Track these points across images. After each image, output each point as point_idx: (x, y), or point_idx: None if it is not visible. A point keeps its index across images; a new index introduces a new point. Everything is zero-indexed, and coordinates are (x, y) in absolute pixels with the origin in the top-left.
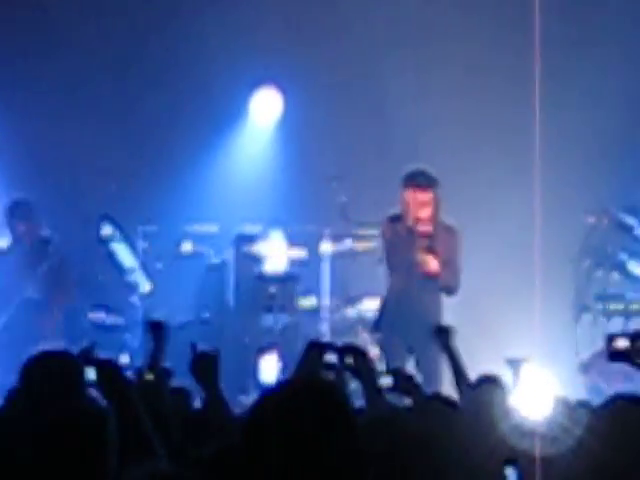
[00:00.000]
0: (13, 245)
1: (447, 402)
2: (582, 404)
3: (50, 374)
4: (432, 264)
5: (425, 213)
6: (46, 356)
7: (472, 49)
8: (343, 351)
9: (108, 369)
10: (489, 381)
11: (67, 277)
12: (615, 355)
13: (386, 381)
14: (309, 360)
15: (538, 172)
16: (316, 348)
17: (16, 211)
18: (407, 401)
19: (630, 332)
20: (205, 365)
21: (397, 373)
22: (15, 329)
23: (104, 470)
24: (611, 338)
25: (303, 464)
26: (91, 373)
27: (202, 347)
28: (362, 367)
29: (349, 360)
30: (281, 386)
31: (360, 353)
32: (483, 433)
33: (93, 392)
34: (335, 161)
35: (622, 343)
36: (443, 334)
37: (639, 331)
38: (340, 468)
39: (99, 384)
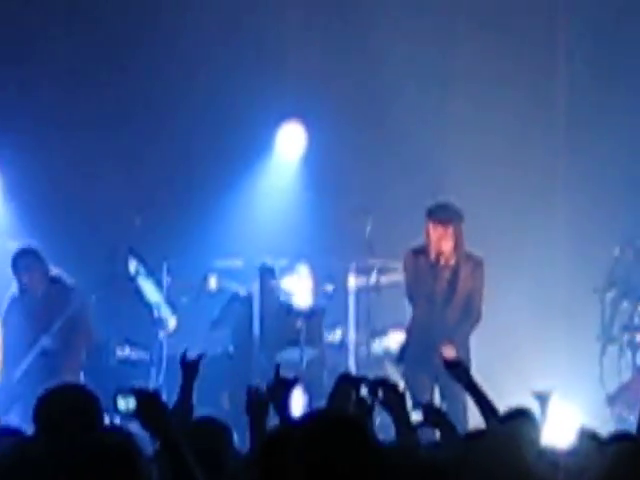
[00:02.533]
0: (22, 295)
1: (475, 436)
2: (593, 436)
3: (64, 406)
4: (449, 353)
5: (446, 246)
6: (59, 390)
7: (498, 85)
8: (375, 385)
9: (149, 399)
10: (520, 414)
11: (87, 322)
12: None
13: (416, 415)
14: (340, 393)
15: (564, 205)
16: (347, 381)
17: (18, 263)
18: (437, 435)
19: None
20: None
21: (427, 407)
22: (33, 378)
23: None
24: None
25: None
26: (129, 403)
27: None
28: (394, 401)
29: (381, 394)
30: (305, 420)
31: (392, 387)
32: (511, 465)
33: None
34: (360, 195)
35: None
36: (458, 370)
37: None
38: None
39: (139, 415)
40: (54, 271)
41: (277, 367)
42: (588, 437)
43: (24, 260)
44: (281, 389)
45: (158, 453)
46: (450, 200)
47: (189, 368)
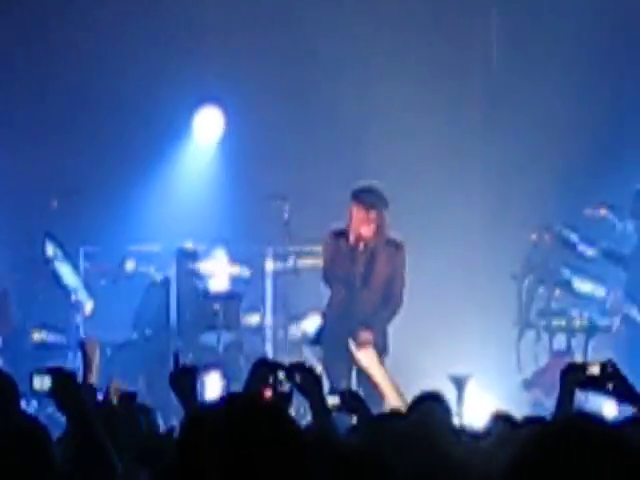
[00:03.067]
0: None
1: (392, 419)
2: (507, 419)
3: None
4: (365, 337)
5: (368, 231)
6: None
7: (419, 65)
8: (291, 369)
9: (64, 378)
10: (430, 398)
11: (7, 308)
12: (588, 383)
13: (333, 400)
14: (256, 378)
15: (481, 190)
16: (264, 366)
17: None
18: (353, 419)
19: (593, 361)
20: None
21: (344, 392)
22: None
23: None
24: (582, 367)
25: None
26: (44, 382)
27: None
28: (310, 385)
29: (297, 378)
30: (221, 404)
31: (308, 371)
32: (425, 447)
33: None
34: (278, 179)
35: (594, 370)
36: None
37: (608, 360)
38: None
39: (54, 394)
40: None
41: (176, 356)
42: (502, 420)
43: None
44: (183, 377)
45: (69, 433)
46: (374, 184)
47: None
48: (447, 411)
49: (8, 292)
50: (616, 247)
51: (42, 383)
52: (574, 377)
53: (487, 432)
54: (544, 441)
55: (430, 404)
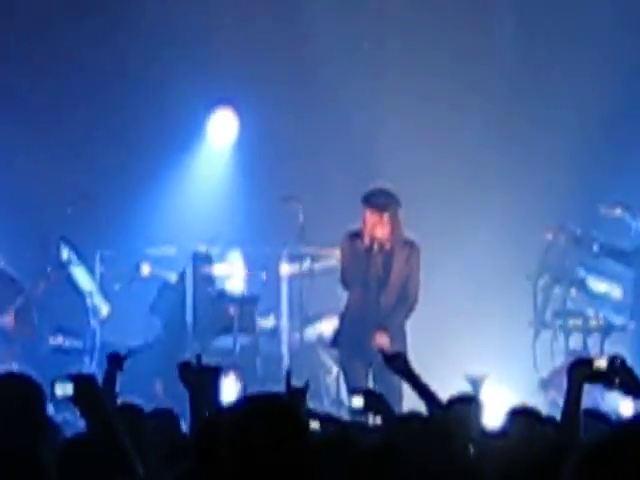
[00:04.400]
0: None
1: (420, 420)
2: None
3: (11, 396)
4: (382, 340)
5: (381, 232)
6: (4, 379)
7: (432, 66)
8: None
9: (86, 384)
10: (464, 400)
11: (30, 313)
12: (595, 378)
13: (357, 401)
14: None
15: (496, 190)
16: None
17: None
18: (377, 420)
19: (600, 356)
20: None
21: (367, 393)
22: None
23: None
24: (589, 361)
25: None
26: (66, 389)
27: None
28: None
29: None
30: (237, 406)
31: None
32: (456, 452)
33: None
34: (293, 181)
35: (602, 364)
36: (396, 361)
37: (615, 354)
38: None
39: (76, 400)
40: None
41: (199, 356)
42: (525, 415)
43: None
44: (205, 377)
45: (91, 438)
46: (385, 185)
47: (114, 361)
48: (480, 412)
49: (31, 296)
50: (617, 243)
51: (64, 389)
52: (581, 372)
53: (504, 431)
54: (611, 443)
55: (464, 405)
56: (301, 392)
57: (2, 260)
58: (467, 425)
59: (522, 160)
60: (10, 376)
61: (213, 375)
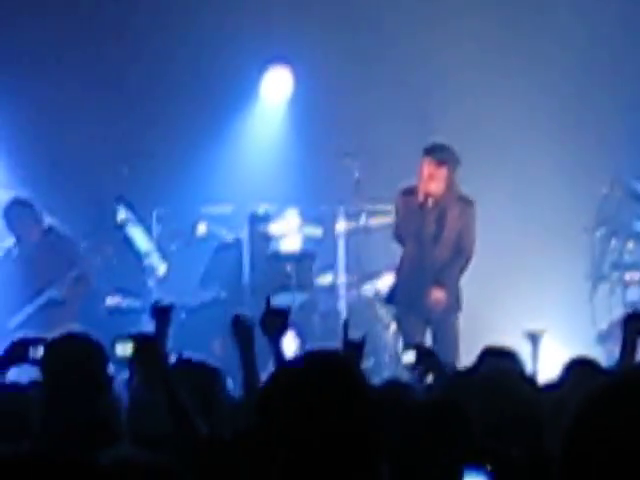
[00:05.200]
0: (15, 246)
1: (467, 373)
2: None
3: (72, 357)
4: (438, 295)
5: (437, 188)
6: (68, 338)
7: (485, 22)
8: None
9: (147, 344)
10: (502, 354)
11: (88, 272)
12: None
13: (408, 357)
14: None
15: (550, 144)
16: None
17: (9, 213)
18: (429, 378)
19: None
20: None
21: (418, 349)
22: (33, 326)
23: None
24: None
25: (313, 440)
26: (126, 348)
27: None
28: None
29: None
30: (295, 362)
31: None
32: (504, 398)
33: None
34: (348, 138)
35: None
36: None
37: None
38: (352, 445)
39: (137, 360)
40: (48, 220)
41: (268, 299)
42: (581, 364)
43: (16, 210)
44: (275, 319)
45: (150, 400)
46: (446, 142)
47: (160, 315)
48: (517, 362)
49: (83, 254)
50: None
51: (125, 349)
52: (637, 324)
53: (561, 382)
54: (608, 392)
55: (496, 359)
56: (358, 346)
57: (58, 221)
58: (513, 378)
59: (576, 112)
60: (71, 336)
61: (283, 315)
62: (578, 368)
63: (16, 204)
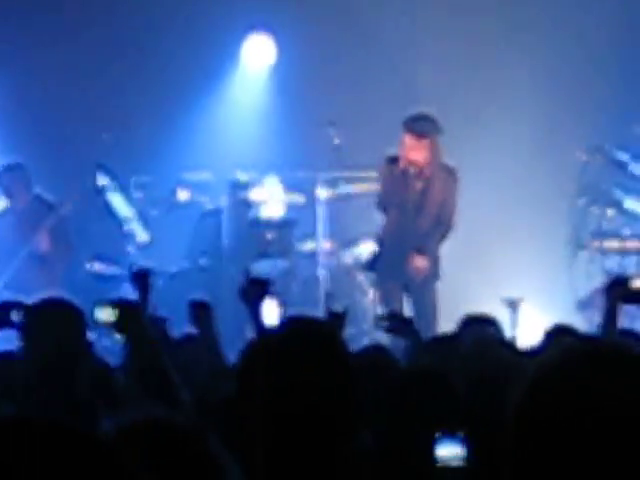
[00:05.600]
0: (9, 207)
1: (444, 340)
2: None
3: (51, 322)
4: (420, 263)
5: (418, 156)
6: (47, 303)
7: None
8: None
9: (130, 309)
10: (477, 320)
11: (68, 233)
12: (631, 297)
13: (383, 324)
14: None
15: (530, 111)
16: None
17: (3, 177)
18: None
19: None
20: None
21: (392, 316)
22: (19, 284)
23: None
24: (625, 281)
25: (294, 408)
26: (107, 314)
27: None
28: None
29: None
30: (277, 329)
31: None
32: (487, 364)
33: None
34: (328, 105)
35: (638, 284)
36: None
37: None
38: (333, 412)
39: (119, 326)
40: (35, 189)
41: (247, 271)
42: (562, 332)
43: (10, 174)
44: (255, 288)
45: (134, 367)
46: (425, 110)
47: (139, 280)
48: (497, 330)
49: (68, 218)
50: None
51: (105, 314)
52: (618, 291)
53: (542, 349)
54: (566, 358)
55: (478, 326)
56: (340, 317)
57: (38, 187)
58: (491, 344)
59: (556, 79)
60: (50, 301)
61: (263, 286)
62: (560, 335)
63: (12, 169)
